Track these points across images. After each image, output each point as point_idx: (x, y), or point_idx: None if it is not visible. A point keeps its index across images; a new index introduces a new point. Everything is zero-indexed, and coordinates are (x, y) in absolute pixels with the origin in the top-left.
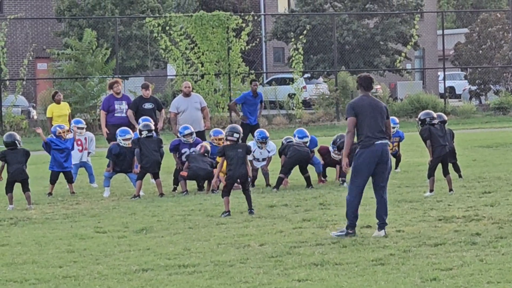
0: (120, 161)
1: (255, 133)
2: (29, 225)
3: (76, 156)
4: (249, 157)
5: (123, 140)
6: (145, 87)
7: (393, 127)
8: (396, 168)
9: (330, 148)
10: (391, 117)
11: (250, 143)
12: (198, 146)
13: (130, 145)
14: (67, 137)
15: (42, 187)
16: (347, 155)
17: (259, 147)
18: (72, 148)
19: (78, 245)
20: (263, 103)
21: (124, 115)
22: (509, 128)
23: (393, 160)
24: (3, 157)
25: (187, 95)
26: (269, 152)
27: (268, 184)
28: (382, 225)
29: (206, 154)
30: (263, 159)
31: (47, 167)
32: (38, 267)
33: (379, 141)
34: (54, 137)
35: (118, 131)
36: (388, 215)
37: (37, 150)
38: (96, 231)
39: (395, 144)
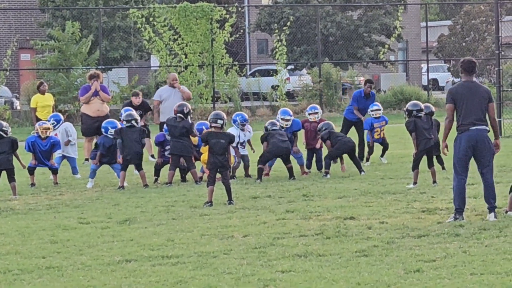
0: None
1: (236, 116)
2: (12, 215)
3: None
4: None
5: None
6: (135, 94)
7: (377, 109)
8: (382, 156)
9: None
10: (375, 102)
11: (231, 129)
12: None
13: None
14: (48, 134)
15: (25, 177)
16: (445, 139)
17: (241, 129)
18: (55, 148)
19: (62, 236)
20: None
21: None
22: None
23: (379, 148)
24: None
25: (172, 86)
26: (249, 133)
27: (247, 175)
28: (491, 208)
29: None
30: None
31: (30, 158)
32: (21, 258)
33: (475, 127)
34: (36, 135)
35: (105, 123)
36: (496, 198)
37: (20, 141)
38: (79, 222)
39: (383, 128)
